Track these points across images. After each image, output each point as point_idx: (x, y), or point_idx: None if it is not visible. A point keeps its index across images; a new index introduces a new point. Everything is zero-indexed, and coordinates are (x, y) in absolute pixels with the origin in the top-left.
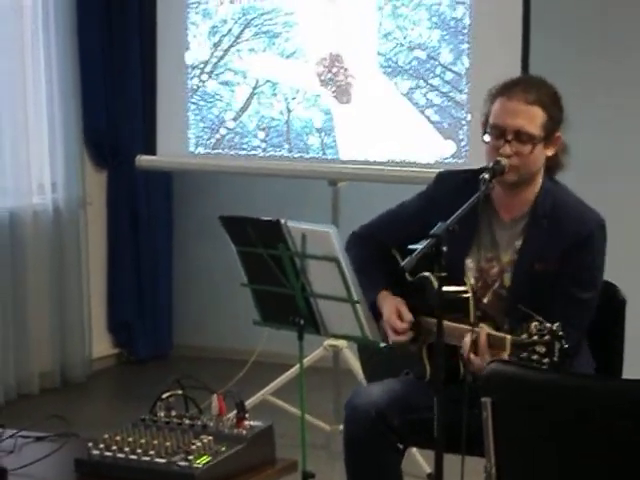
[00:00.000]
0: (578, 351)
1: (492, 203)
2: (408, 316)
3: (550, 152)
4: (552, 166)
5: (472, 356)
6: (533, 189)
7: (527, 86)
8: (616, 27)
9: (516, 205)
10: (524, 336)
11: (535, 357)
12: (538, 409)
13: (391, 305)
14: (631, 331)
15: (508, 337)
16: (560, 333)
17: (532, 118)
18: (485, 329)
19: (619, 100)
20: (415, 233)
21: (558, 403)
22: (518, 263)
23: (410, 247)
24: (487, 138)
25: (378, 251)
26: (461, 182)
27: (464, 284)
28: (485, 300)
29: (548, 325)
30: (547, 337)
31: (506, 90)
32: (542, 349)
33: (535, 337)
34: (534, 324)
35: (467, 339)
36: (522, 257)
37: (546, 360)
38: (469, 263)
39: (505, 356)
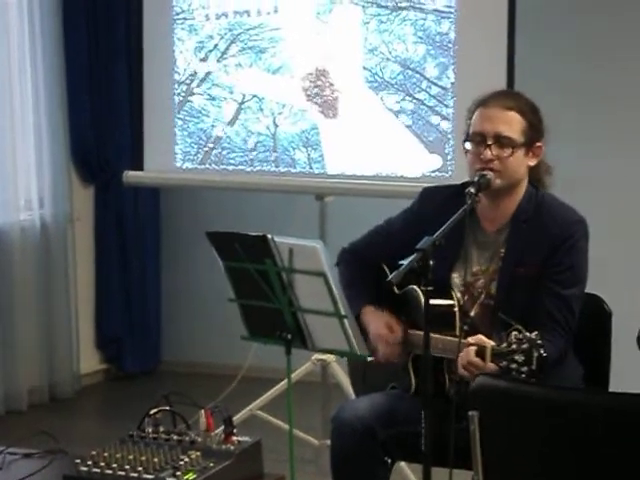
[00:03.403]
0: (566, 353)
1: (476, 216)
2: (398, 328)
3: (532, 162)
4: (535, 185)
5: (478, 360)
6: (516, 199)
7: (504, 95)
8: (602, 43)
9: (498, 215)
10: (504, 345)
11: (514, 366)
12: (525, 422)
13: (379, 319)
14: (617, 337)
15: (488, 346)
16: (539, 342)
17: (510, 123)
18: (482, 338)
19: (605, 111)
20: (403, 249)
21: (545, 416)
22: (502, 269)
23: (400, 262)
24: (468, 146)
25: (367, 268)
26: (446, 197)
27: (451, 298)
28: (472, 313)
29: (527, 334)
30: (525, 346)
31: (484, 101)
32: (521, 358)
33: (514, 346)
34: (514, 333)
35: (471, 348)
36: (506, 263)
37: (525, 369)
38: (455, 278)
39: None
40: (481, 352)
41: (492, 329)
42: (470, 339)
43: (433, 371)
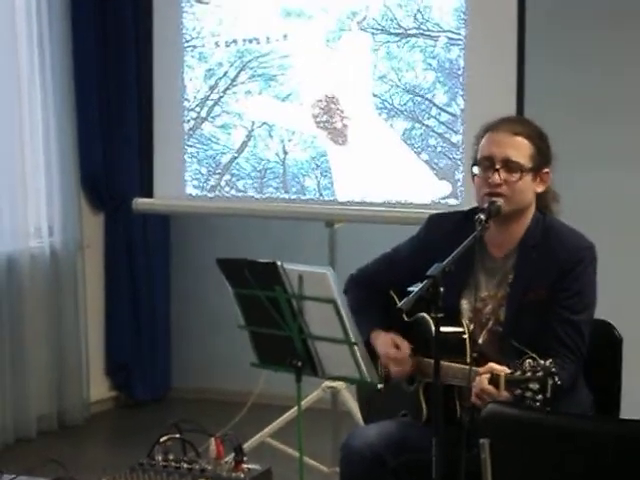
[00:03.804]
0: (577, 379)
1: (483, 242)
2: (405, 344)
3: (539, 188)
4: (543, 211)
5: (492, 388)
6: (523, 224)
7: (512, 121)
8: (612, 70)
9: (506, 241)
10: (518, 373)
11: (529, 394)
12: (536, 450)
13: (386, 339)
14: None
15: (502, 374)
16: (553, 370)
17: (518, 148)
18: (494, 366)
19: (619, 135)
20: (410, 276)
21: (555, 444)
22: (511, 295)
23: (409, 289)
24: (476, 170)
25: (375, 294)
26: (453, 224)
27: (460, 325)
28: (480, 340)
29: (542, 362)
30: (540, 374)
31: (493, 126)
32: (535, 386)
33: (528, 374)
34: (528, 361)
35: (485, 376)
36: (514, 289)
37: (539, 397)
38: (464, 304)
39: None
40: (494, 380)
41: (501, 355)
42: (482, 369)
43: (444, 399)
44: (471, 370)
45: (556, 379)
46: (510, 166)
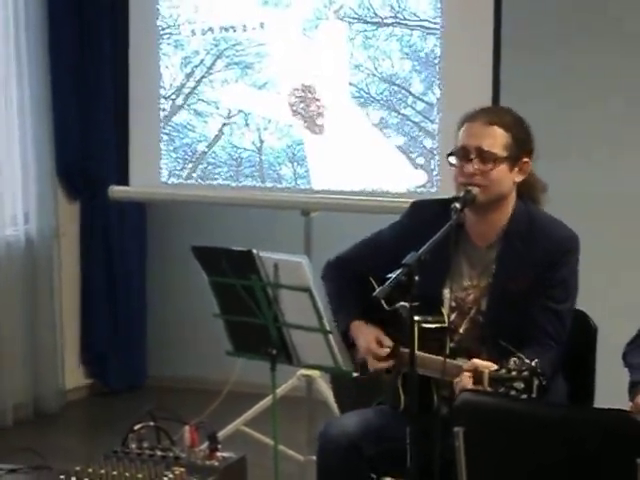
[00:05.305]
0: (557, 367)
1: (466, 232)
2: (388, 342)
3: (518, 178)
4: (527, 201)
5: (474, 388)
6: (504, 214)
7: (490, 110)
8: (586, 61)
9: (488, 231)
10: (502, 371)
11: (513, 393)
12: (509, 438)
13: (369, 334)
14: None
15: (486, 371)
16: (539, 370)
17: (493, 137)
18: (478, 362)
19: (593, 129)
20: (390, 262)
21: (529, 432)
22: (493, 285)
23: (388, 276)
24: (452, 160)
25: (354, 280)
26: (435, 211)
27: (440, 314)
28: (461, 330)
29: (527, 361)
30: (526, 373)
31: (470, 116)
32: (520, 385)
33: (514, 373)
34: (513, 360)
35: (467, 374)
36: (497, 279)
37: (524, 396)
38: (446, 294)
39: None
40: (478, 377)
41: (481, 345)
42: (466, 365)
43: (422, 389)
44: (445, 362)
45: (542, 379)
46: (484, 156)
